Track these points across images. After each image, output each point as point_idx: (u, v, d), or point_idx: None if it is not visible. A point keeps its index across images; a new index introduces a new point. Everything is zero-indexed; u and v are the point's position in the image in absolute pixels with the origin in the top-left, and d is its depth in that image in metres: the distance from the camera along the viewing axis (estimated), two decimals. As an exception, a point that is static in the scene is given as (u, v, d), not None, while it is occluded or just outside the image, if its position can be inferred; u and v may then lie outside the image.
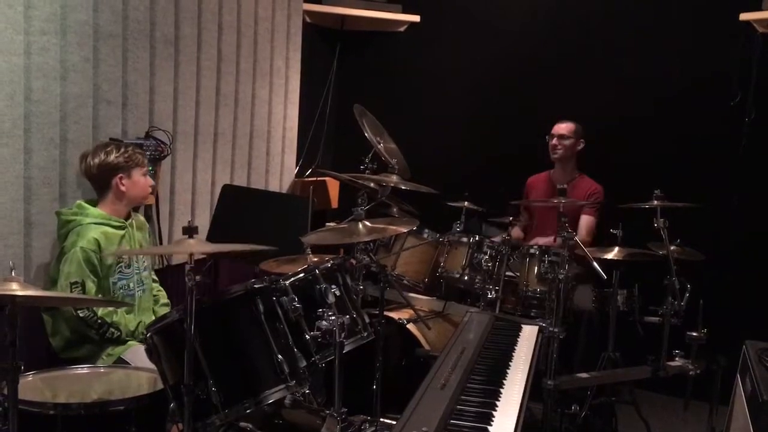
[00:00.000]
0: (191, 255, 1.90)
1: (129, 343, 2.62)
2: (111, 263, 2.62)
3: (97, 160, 2.68)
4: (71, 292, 2.48)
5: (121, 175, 2.69)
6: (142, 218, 2.96)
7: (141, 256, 2.79)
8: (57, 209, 2.70)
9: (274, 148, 4.18)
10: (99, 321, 2.54)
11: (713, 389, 3.08)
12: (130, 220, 2.77)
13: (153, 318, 2.76)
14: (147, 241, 2.92)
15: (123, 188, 2.70)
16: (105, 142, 2.84)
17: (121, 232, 2.69)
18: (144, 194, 2.82)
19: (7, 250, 2.58)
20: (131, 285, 2.71)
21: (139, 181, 2.75)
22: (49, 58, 2.67)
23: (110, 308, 2.58)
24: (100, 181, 2.71)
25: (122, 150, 2.72)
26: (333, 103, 4.61)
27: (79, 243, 2.54)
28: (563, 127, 3.91)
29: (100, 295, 2.57)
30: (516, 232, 3.97)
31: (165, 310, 2.90)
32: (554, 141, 3.92)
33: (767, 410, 2.22)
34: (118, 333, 2.58)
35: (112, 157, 2.69)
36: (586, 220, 3.86)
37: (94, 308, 2.53)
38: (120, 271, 2.67)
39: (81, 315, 2.52)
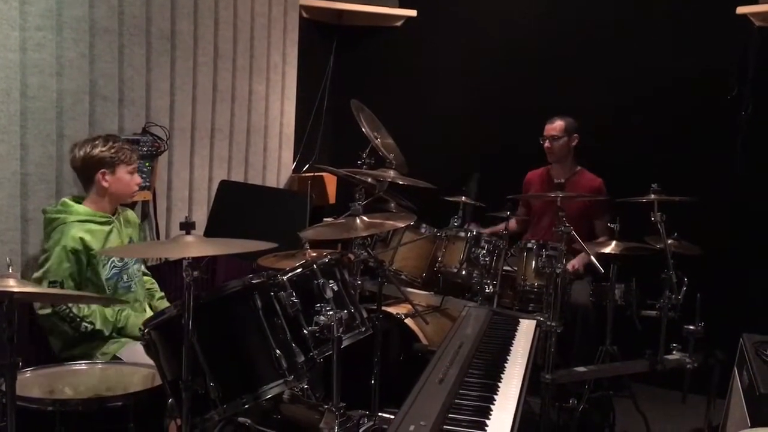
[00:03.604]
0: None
1: (124, 341, 2.57)
2: (101, 259, 2.54)
3: (82, 153, 2.60)
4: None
5: (104, 170, 2.60)
6: (131, 213, 2.87)
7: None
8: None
9: (272, 143, 4.18)
10: (71, 314, 2.46)
11: (711, 382, 3.09)
12: (116, 215, 2.69)
13: (146, 311, 2.74)
14: (137, 236, 2.84)
15: (105, 184, 2.61)
16: (97, 135, 2.74)
17: (107, 227, 2.61)
18: (127, 192, 2.71)
19: (4, 247, 2.58)
20: (125, 277, 2.65)
21: (122, 179, 2.65)
22: (45, 54, 2.67)
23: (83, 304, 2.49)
24: (84, 175, 2.64)
25: (109, 144, 2.62)
26: (330, 99, 4.60)
27: (62, 242, 2.47)
28: (553, 128, 3.85)
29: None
30: (512, 224, 3.95)
31: (162, 303, 2.87)
32: (547, 144, 3.86)
33: (764, 403, 2.23)
34: (92, 326, 2.49)
35: (97, 151, 2.60)
36: (603, 225, 3.77)
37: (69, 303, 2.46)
38: (114, 265, 2.61)
39: (55, 308, 2.44)
